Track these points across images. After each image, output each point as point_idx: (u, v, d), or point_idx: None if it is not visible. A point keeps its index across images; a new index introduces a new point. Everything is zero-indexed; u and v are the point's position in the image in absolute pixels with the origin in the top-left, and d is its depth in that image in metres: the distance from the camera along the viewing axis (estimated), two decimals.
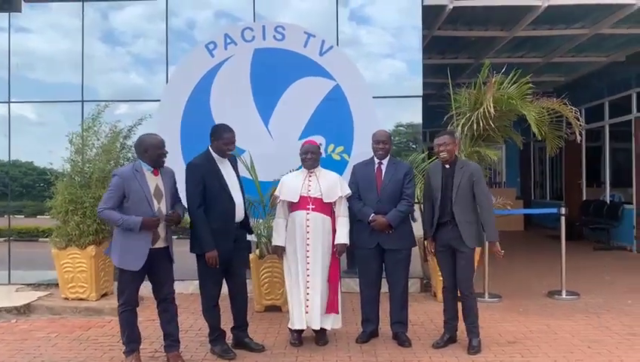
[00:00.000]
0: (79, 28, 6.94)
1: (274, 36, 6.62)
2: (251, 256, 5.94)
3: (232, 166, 4.59)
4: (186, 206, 4.35)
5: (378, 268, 4.78)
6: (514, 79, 6.06)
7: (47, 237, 6.21)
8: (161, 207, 4.07)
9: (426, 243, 4.79)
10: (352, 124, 6.59)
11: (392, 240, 4.67)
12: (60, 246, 6.00)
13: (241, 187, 4.61)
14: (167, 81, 6.80)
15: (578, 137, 6.14)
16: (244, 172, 5.47)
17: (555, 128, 6.32)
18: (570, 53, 9.50)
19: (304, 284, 4.58)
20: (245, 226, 4.66)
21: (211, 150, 4.45)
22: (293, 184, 4.68)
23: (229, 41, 6.63)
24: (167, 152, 4.15)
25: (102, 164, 6.07)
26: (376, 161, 4.80)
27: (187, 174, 4.38)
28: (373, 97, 6.58)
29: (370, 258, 4.74)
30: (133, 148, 6.52)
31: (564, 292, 6.34)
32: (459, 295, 4.61)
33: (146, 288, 4.25)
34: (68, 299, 5.98)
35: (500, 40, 8.62)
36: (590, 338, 4.83)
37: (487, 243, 4.52)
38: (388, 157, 4.79)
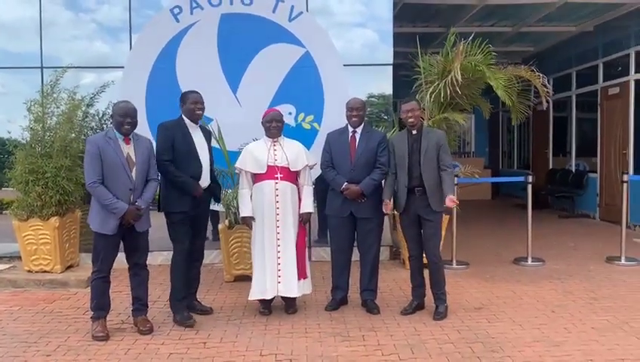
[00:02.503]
0: None
1: (241, 0, 6.41)
2: (220, 226, 5.90)
3: (205, 137, 4.63)
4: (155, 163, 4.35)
5: (350, 236, 4.79)
6: (481, 47, 6.01)
7: (6, 209, 6.01)
8: (132, 175, 4.07)
9: (385, 204, 4.65)
10: (323, 93, 6.48)
11: (364, 209, 4.66)
12: (21, 218, 5.80)
13: (211, 157, 4.66)
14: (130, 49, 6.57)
15: (545, 104, 6.18)
16: (212, 142, 5.38)
17: (523, 97, 6.34)
18: (540, 22, 9.55)
19: (275, 254, 4.55)
20: (213, 194, 4.69)
21: (183, 116, 4.52)
22: (257, 154, 4.60)
23: (194, 5, 6.40)
24: (131, 121, 4.08)
25: (63, 133, 5.86)
26: (350, 129, 4.74)
27: (157, 133, 4.47)
28: (344, 65, 6.47)
29: (343, 226, 4.74)
30: (96, 117, 6.41)
31: (529, 259, 6.47)
32: (425, 262, 4.66)
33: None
34: (31, 271, 5.81)
35: (470, 8, 8.58)
36: (554, 303, 4.95)
37: (447, 198, 4.41)
38: (362, 126, 4.74)
